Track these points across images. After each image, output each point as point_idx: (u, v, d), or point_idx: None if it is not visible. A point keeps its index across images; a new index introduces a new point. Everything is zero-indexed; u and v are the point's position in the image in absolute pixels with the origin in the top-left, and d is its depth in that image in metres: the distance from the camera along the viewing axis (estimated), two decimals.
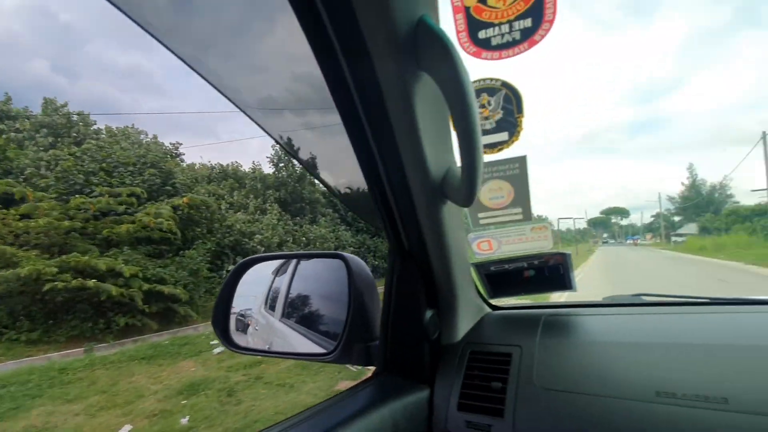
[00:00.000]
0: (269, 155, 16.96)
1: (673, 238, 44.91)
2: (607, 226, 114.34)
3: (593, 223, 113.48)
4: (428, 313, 0.95)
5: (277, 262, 1.48)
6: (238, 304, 1.21)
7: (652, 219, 75.38)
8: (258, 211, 14.27)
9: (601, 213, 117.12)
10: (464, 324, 1.07)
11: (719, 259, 20.92)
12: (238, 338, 1.20)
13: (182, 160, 15.19)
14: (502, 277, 1.13)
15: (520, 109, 0.68)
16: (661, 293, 1.18)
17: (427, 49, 0.49)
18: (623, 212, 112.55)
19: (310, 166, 1.13)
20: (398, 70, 0.54)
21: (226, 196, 14.49)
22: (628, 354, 0.82)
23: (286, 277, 1.42)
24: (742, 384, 0.66)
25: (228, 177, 16.33)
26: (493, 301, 1.29)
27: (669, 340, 0.83)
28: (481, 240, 1.00)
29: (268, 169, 17.25)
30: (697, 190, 50.55)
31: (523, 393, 0.81)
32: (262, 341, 1.46)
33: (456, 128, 0.56)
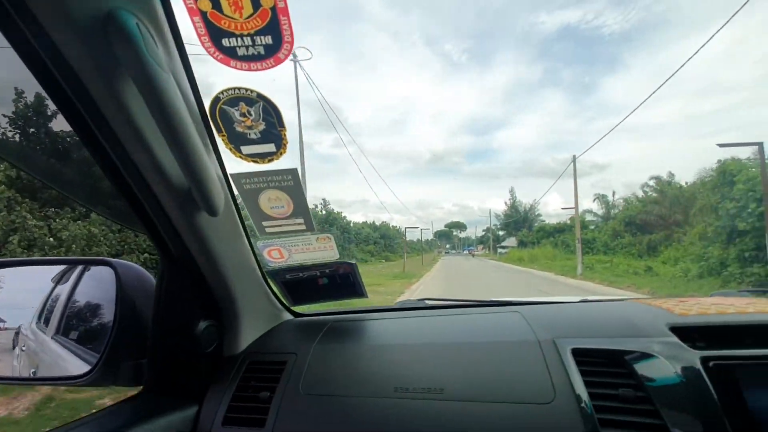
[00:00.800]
0: None
1: (499, 250, 52.26)
2: (450, 237, 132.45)
3: (438, 234, 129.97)
4: (202, 325, 0.89)
5: (56, 269, 1.19)
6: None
7: (483, 233, 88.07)
8: None
9: (445, 226, 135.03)
10: (251, 334, 1.04)
11: (534, 269, 25.81)
12: None
13: None
14: (298, 284, 1.15)
15: (281, 123, 0.70)
16: (446, 297, 1.40)
17: (120, 48, 0.45)
18: (462, 226, 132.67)
19: (50, 178, 0.94)
20: (100, 68, 0.49)
21: None
22: (380, 355, 0.91)
23: (68, 285, 1.15)
24: (455, 375, 0.80)
25: None
26: (299, 309, 1.31)
27: (414, 340, 0.94)
28: (271, 248, 1.00)
29: None
30: (516, 209, 60.53)
31: (287, 400, 0.83)
32: (27, 364, 1.15)
33: (164, 136, 0.54)
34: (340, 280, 1.14)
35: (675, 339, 0.74)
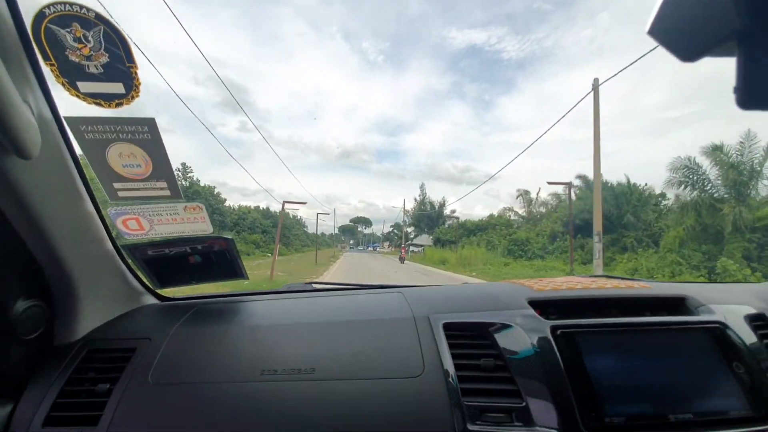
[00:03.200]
0: None
1: (411, 248, 43.50)
2: (354, 233, 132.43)
3: (343, 230, 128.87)
4: (20, 305, 0.72)
5: None
6: None
7: (391, 229, 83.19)
8: None
9: (350, 221, 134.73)
10: (95, 318, 0.88)
11: (479, 278, 13.50)
12: None
13: None
14: (165, 263, 1.00)
15: (130, 57, 0.59)
16: (332, 281, 1.36)
17: None
18: (367, 222, 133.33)
19: None
20: None
21: None
22: (248, 337, 0.84)
23: None
24: (328, 354, 0.77)
25: None
26: (168, 292, 1.15)
27: (289, 321, 0.89)
28: (126, 217, 0.85)
29: None
30: (426, 205, 54.73)
31: (132, 392, 0.71)
32: None
33: None
34: (216, 259, 1.03)
35: (531, 311, 0.82)
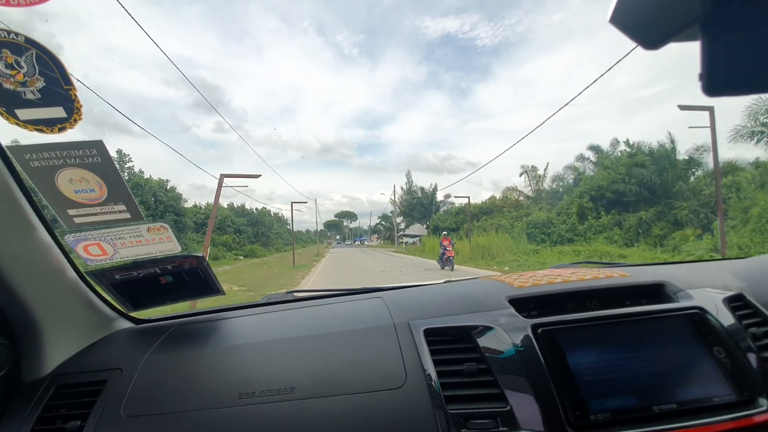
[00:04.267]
0: None
1: (406, 239, 40.01)
2: (339, 228, 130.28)
3: (328, 225, 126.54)
4: None
5: None
6: None
7: (379, 220, 76.14)
8: None
9: (335, 216, 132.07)
10: (63, 350, 0.85)
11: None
12: None
13: None
14: (135, 286, 0.98)
15: (67, 80, 0.57)
16: (315, 288, 1.33)
17: None
18: (352, 216, 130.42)
19: None
20: None
21: None
22: (224, 359, 0.82)
23: None
24: (307, 371, 0.74)
25: None
26: (140, 314, 1.12)
27: (266, 338, 0.87)
28: (87, 243, 0.82)
29: None
30: (415, 194, 46.60)
31: (103, 428, 0.69)
32: None
33: None
34: (188, 278, 1.01)
35: (512, 310, 0.81)
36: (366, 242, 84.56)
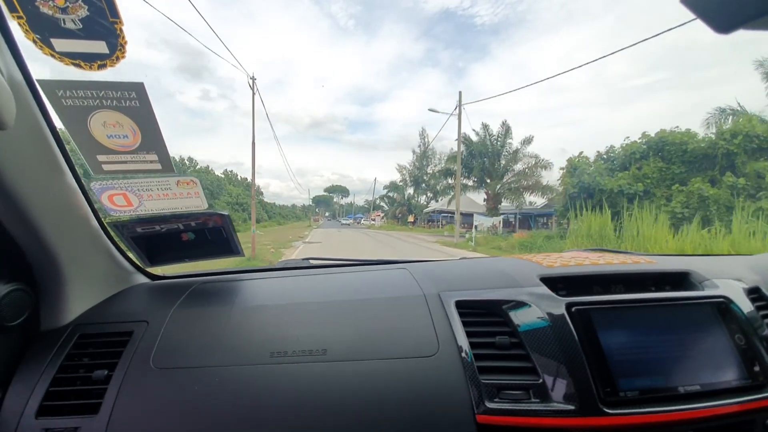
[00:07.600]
0: None
1: (479, 220, 22.20)
2: (329, 204, 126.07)
3: (317, 201, 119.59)
4: (2, 289, 0.66)
5: None
6: None
7: (386, 191, 53.17)
8: None
9: (325, 190, 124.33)
10: (83, 301, 0.83)
11: None
12: None
13: None
14: (156, 240, 0.95)
15: (114, 11, 0.51)
16: (330, 257, 1.32)
17: None
18: (344, 191, 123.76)
19: None
20: None
21: None
22: (254, 318, 0.81)
23: None
24: (340, 335, 0.75)
25: None
26: (158, 270, 1.10)
27: (295, 300, 0.87)
28: (113, 192, 0.78)
29: None
30: (427, 161, 35.91)
31: (134, 377, 0.68)
32: None
33: None
34: (210, 236, 0.98)
35: (545, 289, 0.82)
36: (362, 221, 65.72)
